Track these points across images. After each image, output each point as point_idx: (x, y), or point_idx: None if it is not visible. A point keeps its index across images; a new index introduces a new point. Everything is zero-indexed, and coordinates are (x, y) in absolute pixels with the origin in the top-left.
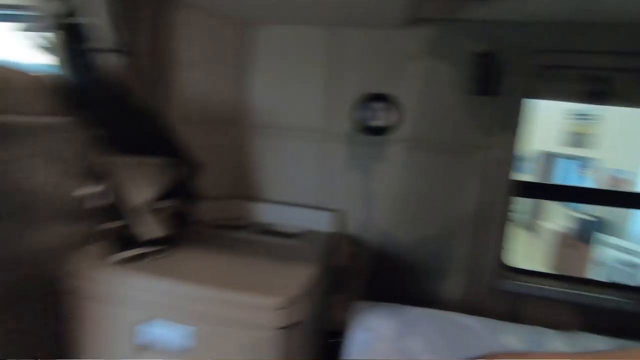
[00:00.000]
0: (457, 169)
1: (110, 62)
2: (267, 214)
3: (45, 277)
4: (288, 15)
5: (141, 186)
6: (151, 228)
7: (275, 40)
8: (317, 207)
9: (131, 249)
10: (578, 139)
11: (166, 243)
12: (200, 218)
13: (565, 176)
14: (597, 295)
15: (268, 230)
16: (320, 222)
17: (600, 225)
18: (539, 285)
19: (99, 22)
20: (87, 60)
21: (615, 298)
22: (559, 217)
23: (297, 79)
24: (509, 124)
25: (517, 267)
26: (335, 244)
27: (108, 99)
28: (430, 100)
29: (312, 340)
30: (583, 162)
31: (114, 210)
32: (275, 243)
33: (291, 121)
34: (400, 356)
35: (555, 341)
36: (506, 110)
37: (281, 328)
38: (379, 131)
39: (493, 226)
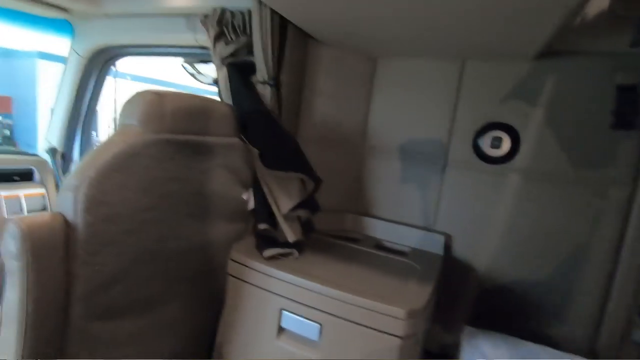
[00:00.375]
0: (589, 206)
1: (264, 92)
2: (378, 230)
3: (218, 262)
4: (417, 49)
5: (284, 196)
6: (290, 232)
7: (400, 72)
8: (425, 229)
9: (275, 247)
10: None
11: (299, 247)
12: (319, 228)
13: None
14: None
15: (379, 245)
16: (428, 243)
17: None
18: None
19: (256, 60)
20: (249, 92)
21: None
22: None
23: (419, 106)
24: None
25: None
26: (443, 266)
27: (262, 123)
28: (557, 132)
29: (419, 355)
30: None
31: (264, 213)
32: (387, 258)
33: (408, 146)
34: None
35: None
36: None
37: (401, 337)
38: (496, 160)
39: (631, 270)
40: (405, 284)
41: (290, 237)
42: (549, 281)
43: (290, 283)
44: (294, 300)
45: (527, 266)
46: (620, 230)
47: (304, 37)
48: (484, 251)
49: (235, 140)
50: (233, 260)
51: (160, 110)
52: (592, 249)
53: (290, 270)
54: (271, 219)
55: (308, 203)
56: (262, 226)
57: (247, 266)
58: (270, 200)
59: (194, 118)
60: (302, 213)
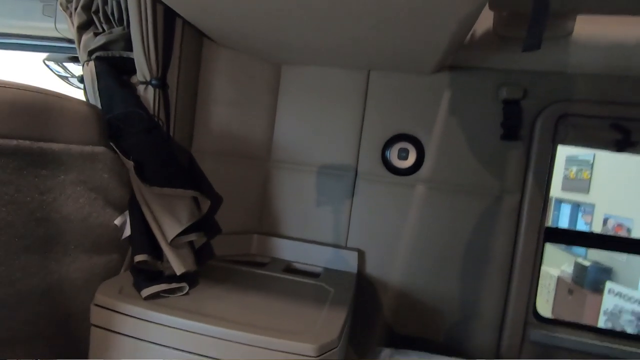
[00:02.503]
0: (486, 213)
1: (144, 94)
2: (287, 251)
3: (76, 309)
4: (322, 58)
5: (170, 219)
6: (178, 262)
7: (307, 80)
8: (337, 246)
9: (158, 283)
10: (576, 184)
11: (191, 279)
12: (220, 253)
13: (567, 220)
14: (628, 348)
15: (289, 269)
16: (340, 262)
17: (605, 272)
18: (571, 337)
19: (135, 56)
20: (124, 92)
21: None
22: (560, 262)
23: (325, 118)
24: (540, 169)
25: (549, 317)
26: (357, 285)
27: (142, 131)
28: (457, 143)
29: None
30: (581, 207)
31: (144, 241)
32: (298, 282)
33: (315, 159)
34: None
35: None
36: (536, 156)
37: None
38: (403, 171)
39: (525, 273)
40: (317, 311)
41: (178, 268)
42: (456, 290)
43: (176, 328)
44: (181, 350)
45: (436, 276)
46: (514, 235)
47: (198, 35)
48: (396, 265)
49: (100, 149)
50: (97, 305)
51: None
52: (491, 255)
53: (176, 311)
54: (154, 247)
55: (204, 225)
56: (141, 257)
57: (116, 311)
58: (152, 224)
59: (31, 117)
60: (196, 238)
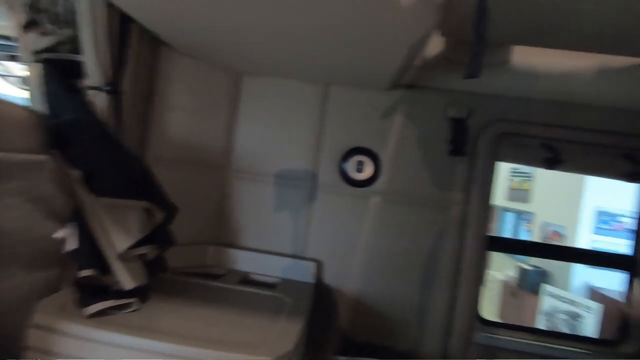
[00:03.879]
0: (435, 223)
1: (95, 100)
2: (244, 262)
3: (10, 331)
4: (282, 70)
5: (120, 231)
6: (127, 277)
7: (267, 91)
8: (295, 256)
9: (105, 299)
10: (518, 194)
11: (141, 294)
12: (174, 265)
13: (510, 229)
14: (563, 347)
15: (246, 280)
16: (298, 272)
17: (544, 276)
18: (511, 338)
19: (85, 59)
20: (72, 97)
21: (578, 350)
22: (505, 267)
23: (285, 129)
24: (482, 182)
25: (491, 320)
26: (314, 295)
27: (91, 138)
28: (410, 157)
29: None
30: (523, 216)
31: (89, 255)
32: (254, 294)
33: (275, 169)
34: None
35: None
36: (479, 170)
37: None
38: (360, 183)
39: (469, 280)
40: (273, 323)
41: (128, 283)
42: (408, 297)
43: (124, 347)
44: None
45: (389, 285)
46: (460, 244)
47: (155, 41)
48: (353, 274)
49: (42, 158)
50: (36, 325)
51: None
52: (439, 263)
53: (124, 328)
54: (100, 261)
55: (156, 237)
56: (87, 272)
57: (58, 331)
58: (100, 237)
59: None
60: (148, 250)
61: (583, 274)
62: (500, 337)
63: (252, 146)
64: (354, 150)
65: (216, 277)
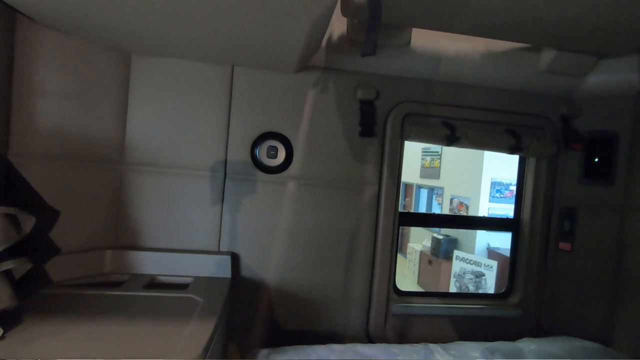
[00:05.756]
0: (351, 204)
1: None
2: (150, 264)
3: None
4: (179, 49)
5: None
6: None
7: (164, 73)
8: (208, 252)
9: None
10: (430, 172)
11: (8, 319)
12: (63, 277)
13: (424, 203)
14: (468, 305)
15: (152, 284)
16: (212, 268)
17: (455, 243)
18: (424, 305)
19: None
20: None
21: (478, 306)
22: (422, 239)
23: (188, 115)
24: (391, 161)
25: (404, 290)
26: (231, 290)
27: None
28: (322, 141)
29: None
30: (436, 191)
31: None
32: (162, 298)
33: (179, 159)
34: None
35: (438, 354)
36: (388, 151)
37: None
38: (273, 169)
39: (385, 255)
40: (182, 327)
41: None
42: (329, 279)
43: None
44: None
45: (310, 269)
46: (374, 222)
47: (7, 9)
48: (271, 263)
49: None
50: None
51: None
52: (357, 242)
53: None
54: None
55: (29, 247)
56: None
57: None
58: None
59: None
60: (15, 265)
61: (484, 238)
62: (414, 305)
63: (149, 135)
64: (265, 136)
65: (117, 284)
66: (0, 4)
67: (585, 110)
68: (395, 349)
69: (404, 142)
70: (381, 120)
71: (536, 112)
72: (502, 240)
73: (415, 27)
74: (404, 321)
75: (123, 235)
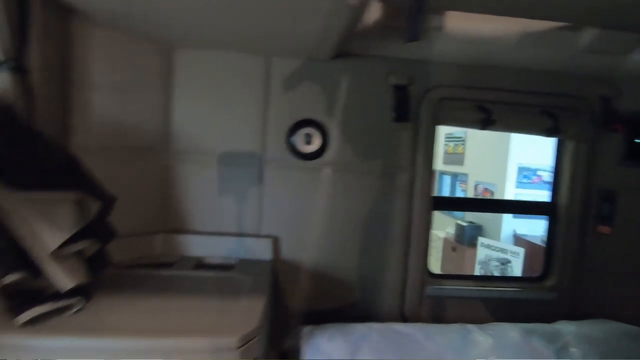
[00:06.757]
0: (385, 189)
1: None
2: (197, 247)
3: None
4: (219, 41)
5: (50, 227)
6: (64, 277)
7: (204, 65)
8: (250, 235)
9: (40, 304)
10: (453, 158)
11: (82, 293)
12: (119, 259)
13: (448, 190)
14: (499, 288)
15: (201, 265)
16: (255, 251)
17: (479, 230)
18: (456, 287)
19: None
20: None
21: (510, 289)
22: (445, 226)
23: (228, 105)
24: (426, 146)
25: (438, 273)
26: (273, 271)
27: None
28: (356, 127)
29: None
30: (459, 177)
31: (12, 257)
32: (211, 278)
33: (220, 148)
34: None
35: (476, 334)
36: (422, 135)
37: None
38: (310, 156)
39: (419, 238)
40: (234, 303)
41: (65, 283)
42: (364, 262)
43: (72, 348)
44: None
45: (346, 252)
46: (409, 206)
47: (63, 9)
48: (309, 247)
49: None
50: None
51: None
52: (391, 226)
53: (68, 332)
54: (28, 263)
55: (94, 231)
56: (13, 277)
57: None
58: (25, 236)
59: None
60: (86, 245)
61: (510, 225)
62: (447, 287)
63: (191, 125)
64: (301, 123)
65: (168, 265)
66: (57, 6)
67: (626, 90)
68: (432, 328)
69: (437, 127)
70: (415, 105)
71: (574, 93)
72: (529, 227)
73: (449, 10)
74: (439, 303)
75: (171, 220)
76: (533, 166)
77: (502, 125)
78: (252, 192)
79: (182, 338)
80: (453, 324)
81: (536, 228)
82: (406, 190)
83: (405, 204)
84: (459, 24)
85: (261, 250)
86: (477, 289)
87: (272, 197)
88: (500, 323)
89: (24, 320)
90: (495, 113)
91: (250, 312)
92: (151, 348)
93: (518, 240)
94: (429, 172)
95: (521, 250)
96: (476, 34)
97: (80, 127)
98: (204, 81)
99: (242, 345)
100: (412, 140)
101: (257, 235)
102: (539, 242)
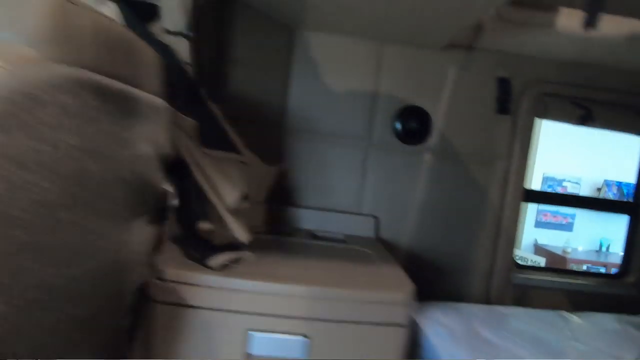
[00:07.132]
0: (480, 177)
1: (178, 48)
2: (307, 220)
3: (129, 287)
4: (339, 25)
5: (227, 184)
6: (242, 230)
7: (321, 48)
8: (352, 213)
9: (221, 252)
10: None
11: (248, 247)
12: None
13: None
14: (578, 281)
15: (315, 236)
16: (359, 228)
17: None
18: (539, 277)
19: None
20: (158, 42)
21: (589, 283)
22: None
23: (340, 87)
24: (523, 138)
25: (524, 264)
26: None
27: (184, 87)
28: (459, 116)
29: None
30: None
31: (201, 208)
32: (334, 247)
33: (330, 128)
34: (485, 347)
35: (575, 320)
36: (520, 127)
37: (404, 326)
38: (412, 141)
39: (509, 229)
40: (376, 268)
41: (243, 235)
42: (456, 247)
43: (261, 293)
44: (267, 315)
45: (439, 237)
46: (502, 195)
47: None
48: (406, 229)
49: (162, 103)
50: (163, 279)
51: (76, 25)
52: (484, 215)
53: (255, 277)
54: (211, 215)
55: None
56: (206, 225)
57: (192, 284)
58: (208, 190)
59: (122, 54)
60: (248, 205)
61: (531, 234)
62: (531, 277)
63: (305, 104)
64: (407, 109)
65: (287, 234)
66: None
67: None
68: (530, 311)
69: (536, 120)
70: (517, 98)
71: None
72: (551, 238)
73: (562, 6)
74: (524, 291)
75: (280, 192)
76: (559, 176)
77: (602, 123)
78: (356, 172)
79: (354, 291)
80: (548, 310)
81: (557, 238)
82: (501, 180)
83: (499, 193)
84: (568, 21)
85: (364, 228)
86: (560, 281)
87: (374, 178)
88: (593, 313)
89: (217, 264)
90: (594, 111)
91: (398, 275)
92: (323, 296)
93: (538, 249)
94: (524, 165)
95: (542, 260)
96: (582, 32)
97: (227, 97)
98: (319, 63)
99: (410, 301)
100: (511, 132)
101: (360, 214)
102: (559, 252)
